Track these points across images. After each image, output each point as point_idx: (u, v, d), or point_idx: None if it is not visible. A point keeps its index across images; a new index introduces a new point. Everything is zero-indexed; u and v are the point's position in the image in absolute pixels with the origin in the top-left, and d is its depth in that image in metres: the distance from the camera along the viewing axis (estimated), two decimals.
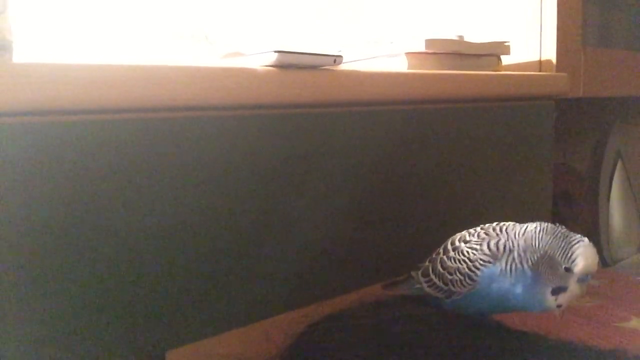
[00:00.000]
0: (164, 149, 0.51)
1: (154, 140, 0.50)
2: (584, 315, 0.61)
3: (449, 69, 0.78)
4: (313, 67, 0.59)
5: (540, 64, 0.91)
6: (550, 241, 0.51)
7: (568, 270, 0.49)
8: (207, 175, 0.54)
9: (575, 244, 0.50)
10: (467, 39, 0.83)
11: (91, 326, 0.48)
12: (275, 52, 0.55)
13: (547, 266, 0.50)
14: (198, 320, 0.54)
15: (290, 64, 0.57)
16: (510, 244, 0.52)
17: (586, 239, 0.51)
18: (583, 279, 0.49)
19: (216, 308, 0.55)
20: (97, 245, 0.48)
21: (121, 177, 0.49)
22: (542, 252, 0.51)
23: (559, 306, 0.50)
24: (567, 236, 0.51)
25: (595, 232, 1.25)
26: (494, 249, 0.52)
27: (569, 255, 0.49)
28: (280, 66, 0.57)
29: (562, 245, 0.50)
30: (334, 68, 0.61)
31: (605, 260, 1.20)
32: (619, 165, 1.26)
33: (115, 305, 0.49)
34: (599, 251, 1.18)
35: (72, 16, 0.77)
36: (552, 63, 0.90)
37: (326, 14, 1.09)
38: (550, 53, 0.90)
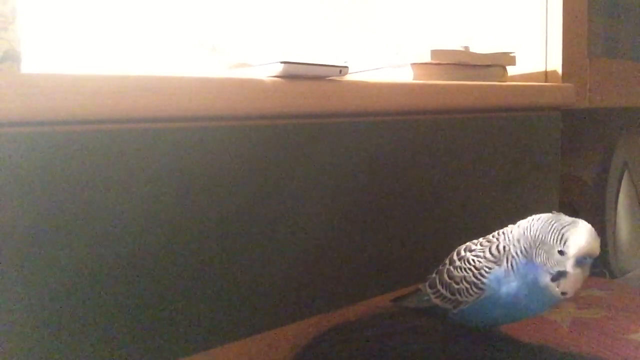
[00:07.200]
0: (172, 158, 0.51)
1: (161, 150, 0.51)
2: (593, 327, 0.60)
3: (454, 80, 0.78)
4: (319, 78, 0.59)
5: (546, 75, 0.91)
6: (542, 226, 0.48)
7: (562, 253, 0.47)
8: (213, 185, 0.54)
9: (567, 225, 0.47)
10: (472, 49, 0.83)
11: (97, 337, 0.48)
12: (281, 62, 0.55)
13: (541, 252, 0.48)
14: (203, 331, 0.54)
15: (296, 75, 0.57)
16: (507, 242, 0.51)
17: (582, 221, 0.48)
18: (580, 261, 0.47)
19: (222, 319, 0.55)
20: (105, 255, 0.48)
21: (130, 186, 0.49)
22: (534, 238, 0.49)
23: (563, 294, 0.48)
24: (560, 220, 0.48)
25: (602, 244, 1.23)
26: (495, 252, 0.51)
27: (561, 237, 0.47)
28: (286, 77, 0.57)
29: (554, 229, 0.47)
30: (340, 79, 0.61)
31: (612, 272, 1.19)
32: (626, 176, 1.25)
33: (121, 317, 0.49)
34: (606, 263, 1.18)
35: (81, 26, 0.78)
36: (557, 74, 0.90)
37: (332, 22, 1.09)
38: (556, 64, 0.90)
